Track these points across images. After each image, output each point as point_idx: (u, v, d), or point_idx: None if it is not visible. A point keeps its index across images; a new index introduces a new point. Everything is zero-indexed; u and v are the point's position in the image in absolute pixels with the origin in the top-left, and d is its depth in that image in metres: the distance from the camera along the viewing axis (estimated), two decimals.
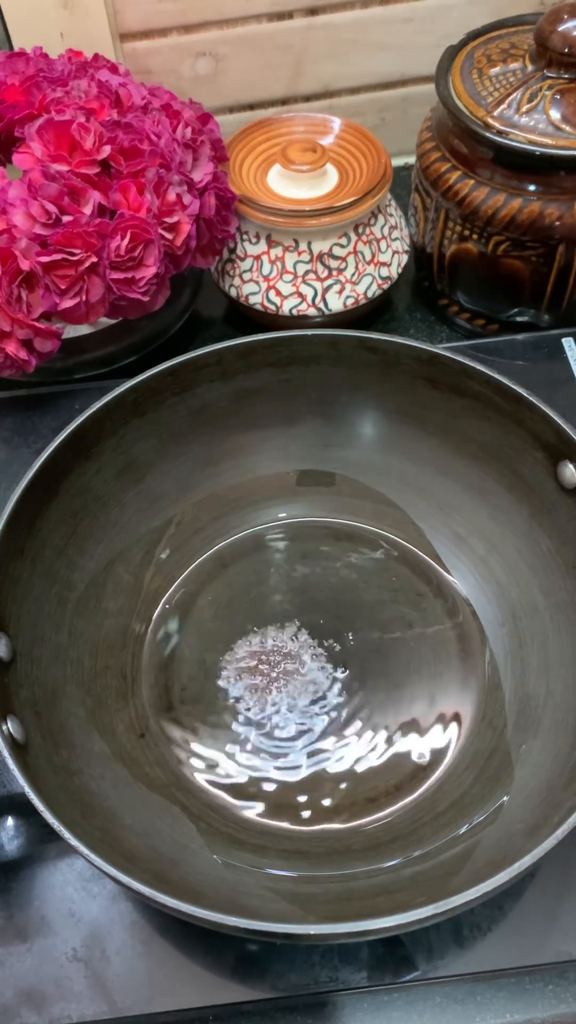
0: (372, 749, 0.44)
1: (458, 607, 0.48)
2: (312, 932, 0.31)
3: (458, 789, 0.42)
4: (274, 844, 0.41)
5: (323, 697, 0.45)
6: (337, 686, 0.46)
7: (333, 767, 0.43)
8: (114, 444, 0.47)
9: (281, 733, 0.44)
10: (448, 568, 0.49)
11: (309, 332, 0.48)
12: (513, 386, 0.44)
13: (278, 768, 0.43)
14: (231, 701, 0.46)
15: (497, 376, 0.45)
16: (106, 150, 0.49)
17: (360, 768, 0.43)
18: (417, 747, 0.44)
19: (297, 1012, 0.38)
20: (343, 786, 0.43)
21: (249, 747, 0.44)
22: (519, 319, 0.59)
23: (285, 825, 0.42)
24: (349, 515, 0.51)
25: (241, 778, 0.43)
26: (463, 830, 0.39)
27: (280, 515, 0.52)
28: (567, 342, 0.58)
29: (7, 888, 0.41)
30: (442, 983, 0.38)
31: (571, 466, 0.43)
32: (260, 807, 0.42)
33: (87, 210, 0.48)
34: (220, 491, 0.51)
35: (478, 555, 0.48)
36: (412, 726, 0.44)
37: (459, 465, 0.49)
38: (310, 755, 0.44)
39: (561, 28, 0.50)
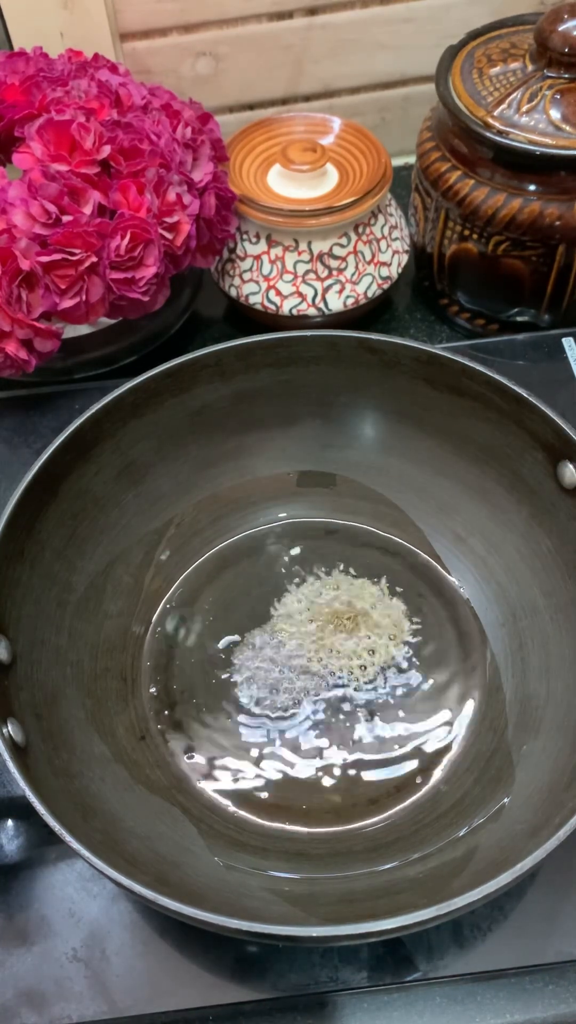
0: (373, 750, 0.44)
1: (458, 607, 0.48)
2: (314, 935, 0.31)
3: (459, 790, 0.42)
4: (275, 846, 0.41)
5: (323, 699, 0.45)
6: (337, 687, 0.46)
7: (334, 768, 0.43)
8: (113, 446, 0.47)
9: (281, 735, 0.44)
10: (448, 568, 0.49)
11: (308, 333, 0.48)
12: (513, 386, 0.44)
13: (279, 769, 0.43)
14: (231, 702, 0.45)
15: (497, 376, 0.45)
16: (106, 150, 0.49)
17: (361, 769, 0.43)
18: (418, 748, 0.44)
19: (297, 1012, 0.38)
20: (344, 787, 0.43)
21: (250, 749, 0.44)
22: (519, 319, 0.59)
23: (286, 827, 0.42)
24: (349, 516, 0.51)
25: (242, 780, 0.43)
26: (464, 832, 0.39)
27: (280, 516, 0.52)
28: (567, 342, 0.58)
29: (7, 889, 0.41)
30: (442, 983, 0.38)
31: (571, 466, 0.43)
32: (261, 809, 0.42)
33: (87, 210, 0.48)
34: (220, 492, 0.51)
35: (478, 555, 0.48)
36: (413, 727, 0.44)
37: (459, 466, 0.49)
38: (311, 756, 0.44)
39: (561, 28, 0.50)
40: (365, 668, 0.46)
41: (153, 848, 0.38)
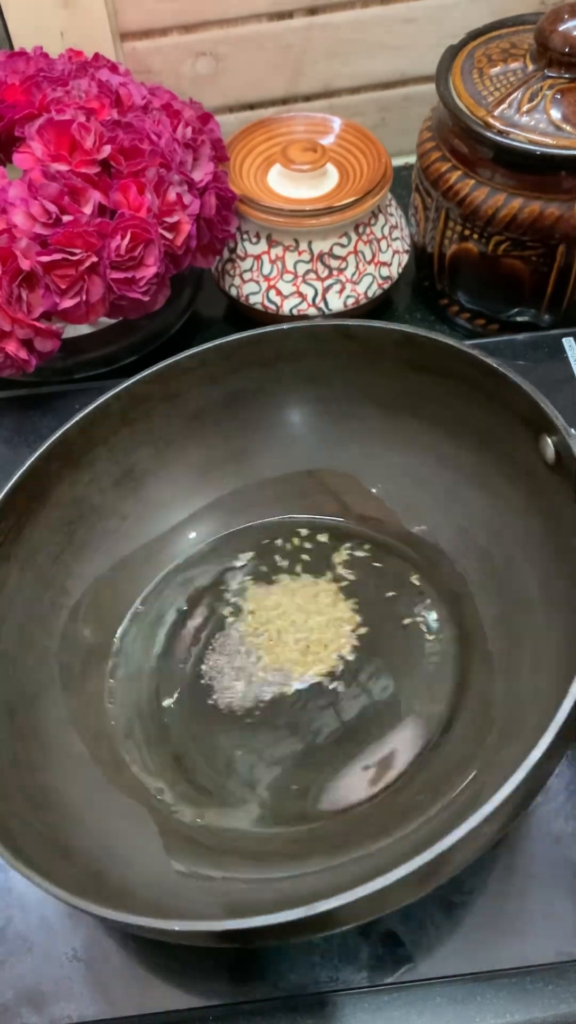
0: (365, 748, 0.43)
1: (457, 603, 0.48)
2: (265, 923, 0.30)
3: (442, 791, 0.41)
4: (232, 846, 0.40)
5: (319, 697, 0.45)
6: (334, 684, 0.46)
7: (326, 766, 0.43)
8: (106, 453, 0.47)
9: (272, 733, 0.44)
10: (445, 562, 0.49)
11: (287, 326, 0.48)
12: (485, 359, 0.43)
13: (252, 767, 0.43)
14: (227, 702, 0.45)
15: (467, 349, 0.43)
16: (106, 150, 0.49)
17: (341, 768, 0.42)
18: (400, 747, 0.43)
19: (297, 1012, 0.38)
20: (323, 787, 0.42)
21: (242, 748, 0.43)
22: (519, 319, 0.59)
23: (256, 829, 0.41)
24: (345, 514, 0.51)
25: (218, 780, 0.42)
26: (419, 824, 0.38)
27: (279, 516, 0.52)
28: (567, 342, 0.58)
29: (8, 888, 0.41)
30: (442, 983, 0.38)
31: (551, 440, 0.41)
32: (251, 810, 0.41)
33: (87, 210, 0.48)
34: (219, 494, 0.51)
35: (480, 547, 0.48)
36: (407, 726, 0.43)
37: (458, 455, 0.48)
38: (304, 756, 0.43)
39: (562, 28, 0.50)
40: (358, 667, 0.46)
41: (105, 845, 0.38)
